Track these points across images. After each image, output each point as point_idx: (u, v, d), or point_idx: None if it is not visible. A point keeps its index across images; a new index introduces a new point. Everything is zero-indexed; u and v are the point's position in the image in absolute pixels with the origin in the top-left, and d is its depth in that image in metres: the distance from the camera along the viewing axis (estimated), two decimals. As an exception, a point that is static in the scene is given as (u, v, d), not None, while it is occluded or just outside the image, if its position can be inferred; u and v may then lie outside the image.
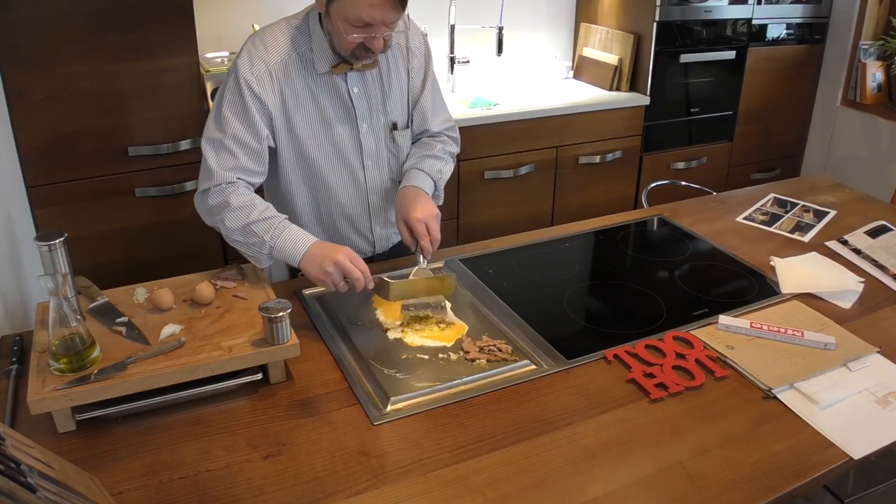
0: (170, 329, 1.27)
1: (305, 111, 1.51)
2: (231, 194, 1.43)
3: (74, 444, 1.11)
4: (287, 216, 1.46)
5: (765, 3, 3.33)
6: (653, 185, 2.72)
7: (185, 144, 2.35)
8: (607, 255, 1.81)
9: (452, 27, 3.17)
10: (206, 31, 2.60)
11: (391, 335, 1.40)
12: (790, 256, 1.73)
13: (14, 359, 1.29)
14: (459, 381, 1.26)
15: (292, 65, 1.47)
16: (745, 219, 1.98)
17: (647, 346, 1.36)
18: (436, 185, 1.64)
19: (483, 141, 2.89)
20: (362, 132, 1.57)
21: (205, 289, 1.37)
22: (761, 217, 1.98)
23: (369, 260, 1.66)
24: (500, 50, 3.12)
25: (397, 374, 1.28)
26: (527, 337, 1.40)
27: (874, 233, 1.82)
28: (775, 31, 3.44)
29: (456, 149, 1.74)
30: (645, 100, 3.21)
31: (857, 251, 1.75)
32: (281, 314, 1.21)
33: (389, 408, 1.19)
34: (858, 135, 3.57)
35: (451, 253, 1.76)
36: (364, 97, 1.55)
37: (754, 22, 3.35)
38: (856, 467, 1.12)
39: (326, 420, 1.17)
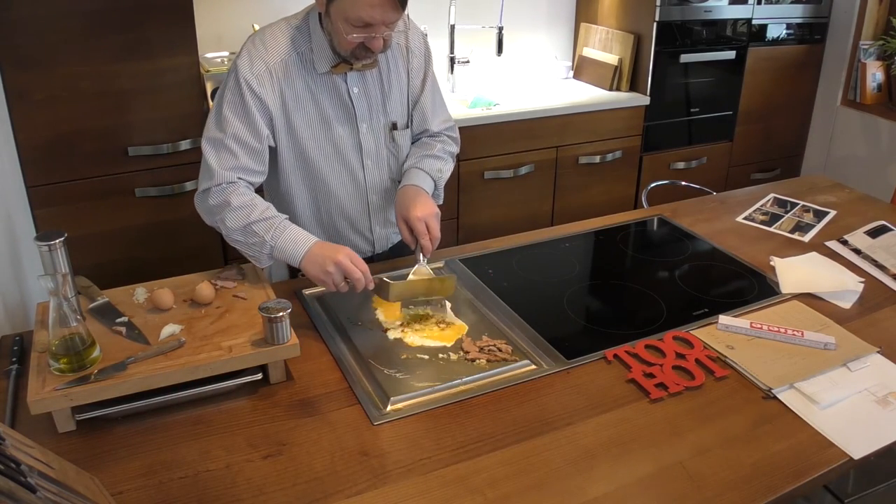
0: (170, 329, 1.27)
1: (305, 111, 1.51)
2: (232, 194, 1.43)
3: (74, 444, 1.11)
4: (287, 216, 1.46)
5: (765, 3, 3.33)
6: (653, 185, 2.72)
7: (185, 144, 2.35)
8: (607, 255, 1.81)
9: (452, 27, 3.17)
10: (206, 31, 2.60)
11: (391, 335, 1.40)
12: (790, 256, 1.73)
13: (14, 359, 1.29)
14: (459, 381, 1.26)
15: (292, 65, 1.47)
16: (745, 219, 1.98)
17: (647, 346, 1.36)
18: (436, 185, 1.64)
19: (483, 141, 2.89)
20: (362, 132, 1.57)
21: (205, 289, 1.37)
22: (761, 217, 1.98)
23: (369, 260, 1.66)
24: (500, 50, 3.12)
25: (397, 374, 1.28)
26: (527, 337, 1.40)
27: (874, 233, 1.82)
28: (775, 31, 3.44)
29: (456, 148, 1.74)
30: (645, 100, 3.21)
31: (857, 251, 1.76)
32: (281, 314, 1.21)
33: (389, 408, 1.19)
34: (858, 135, 3.57)
35: (451, 253, 1.76)
36: (364, 97, 1.55)
37: (754, 22, 3.35)
38: (856, 467, 1.12)
39: (326, 420, 1.17)
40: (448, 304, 1.49)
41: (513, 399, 1.22)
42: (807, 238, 1.85)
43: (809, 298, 1.55)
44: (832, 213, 1.99)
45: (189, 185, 2.38)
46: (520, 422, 1.17)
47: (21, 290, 1.70)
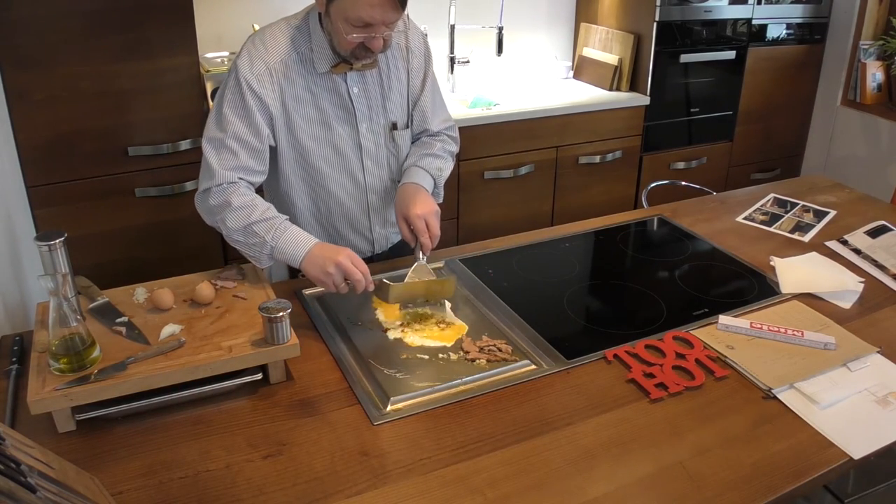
0: (170, 329, 1.27)
1: (305, 111, 1.51)
2: (232, 194, 1.43)
3: (74, 444, 1.11)
4: (288, 217, 1.46)
5: (765, 3, 3.33)
6: (653, 185, 2.72)
7: (185, 144, 2.35)
8: (607, 255, 1.81)
9: (452, 27, 3.17)
10: (206, 31, 2.60)
11: (391, 335, 1.40)
12: (790, 256, 1.73)
13: (14, 359, 1.29)
14: (459, 381, 1.26)
15: (292, 64, 1.47)
16: (745, 219, 1.98)
17: (647, 346, 1.36)
18: (435, 183, 1.64)
19: (483, 141, 2.89)
20: (362, 132, 1.57)
21: (205, 289, 1.37)
22: (761, 217, 1.98)
23: (369, 260, 1.66)
24: (500, 50, 3.12)
25: (397, 374, 1.28)
26: (527, 337, 1.40)
27: (874, 233, 1.82)
28: (775, 31, 3.44)
29: (455, 148, 1.74)
30: (645, 100, 3.21)
31: (857, 251, 1.76)
32: (281, 314, 1.21)
33: (389, 408, 1.19)
34: (858, 135, 3.57)
35: (451, 253, 1.76)
36: (364, 97, 1.55)
37: (754, 22, 3.35)
38: (856, 467, 1.12)
39: (326, 420, 1.17)
40: (448, 304, 1.49)
41: (513, 399, 1.22)
42: (807, 238, 1.85)
43: (809, 298, 1.55)
44: (832, 213, 1.99)
45: (189, 185, 2.38)
46: (520, 422, 1.17)
47: (21, 290, 1.70)
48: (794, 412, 1.19)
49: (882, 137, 3.46)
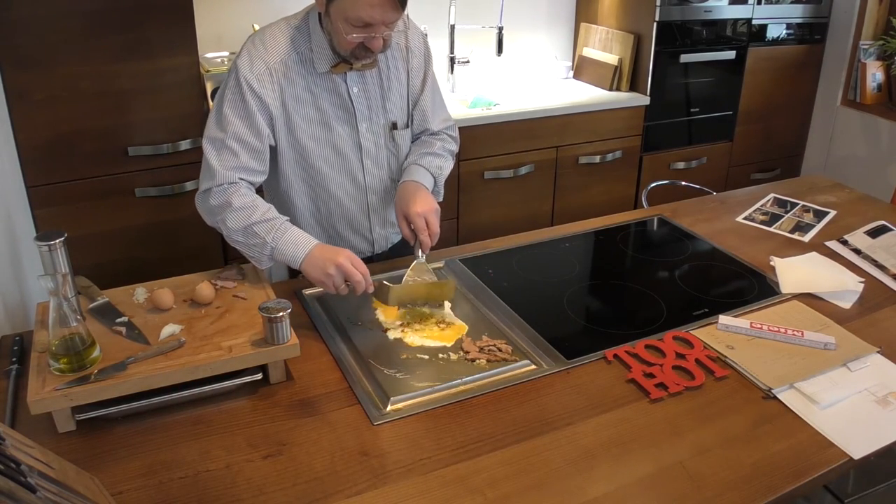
0: (170, 329, 1.27)
1: (305, 111, 1.51)
2: (233, 195, 1.43)
3: (74, 444, 1.11)
4: (288, 218, 1.46)
5: (765, 3, 3.33)
6: (653, 185, 2.72)
7: (185, 144, 2.35)
8: (607, 255, 1.81)
9: (452, 27, 3.17)
10: (206, 31, 2.60)
11: (391, 335, 1.40)
12: (790, 256, 1.73)
13: (14, 359, 1.29)
14: (459, 381, 1.26)
15: (292, 64, 1.47)
16: (745, 219, 1.98)
17: (647, 346, 1.36)
18: (435, 182, 1.64)
19: (483, 141, 2.89)
20: (361, 132, 1.57)
21: (205, 289, 1.37)
22: (761, 217, 1.98)
23: (368, 260, 1.66)
24: (500, 50, 3.12)
25: (397, 374, 1.28)
26: (527, 337, 1.40)
27: (874, 233, 1.82)
28: (775, 31, 3.44)
29: (455, 147, 1.75)
30: (645, 100, 3.21)
31: (857, 251, 1.76)
32: (281, 314, 1.21)
33: (389, 408, 1.19)
34: (858, 135, 3.57)
35: (451, 253, 1.76)
36: (364, 97, 1.55)
37: (754, 22, 3.35)
38: (856, 467, 1.12)
39: (326, 420, 1.17)
40: (448, 304, 1.49)
41: (513, 399, 1.22)
42: (807, 238, 1.85)
43: (809, 298, 1.55)
44: (832, 213, 1.99)
45: (189, 185, 2.38)
46: (520, 422, 1.17)
47: (21, 290, 1.70)
48: (794, 412, 1.19)
49: (882, 137, 3.46)
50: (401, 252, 1.76)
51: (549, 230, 1.91)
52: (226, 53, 2.75)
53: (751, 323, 1.42)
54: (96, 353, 1.18)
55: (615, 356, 1.33)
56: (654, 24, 3.11)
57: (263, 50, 1.46)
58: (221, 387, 1.20)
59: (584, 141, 3.13)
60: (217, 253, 2.50)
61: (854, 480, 1.31)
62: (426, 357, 1.33)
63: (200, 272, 1.49)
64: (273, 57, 1.46)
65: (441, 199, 1.65)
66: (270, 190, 1.65)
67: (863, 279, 1.62)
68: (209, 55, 2.70)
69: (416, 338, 1.38)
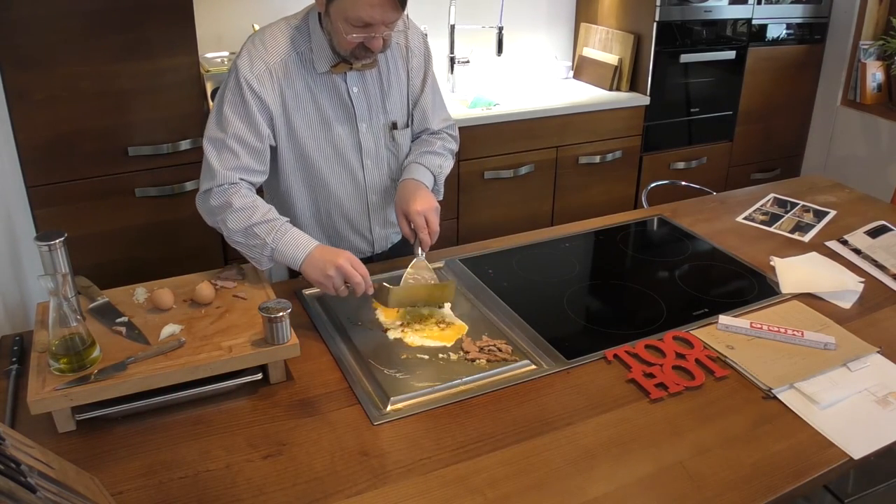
0: (170, 329, 1.27)
1: (305, 111, 1.51)
2: (234, 195, 1.43)
3: (74, 444, 1.11)
4: (289, 219, 1.46)
5: (765, 3, 3.33)
6: (653, 185, 2.72)
7: (185, 144, 2.35)
8: (607, 255, 1.81)
9: (452, 27, 3.17)
10: (206, 31, 2.60)
11: (391, 335, 1.40)
12: (790, 256, 1.73)
13: (14, 359, 1.29)
14: (459, 381, 1.26)
15: (292, 64, 1.47)
16: (745, 219, 1.98)
17: (647, 346, 1.36)
18: (435, 180, 1.64)
19: (483, 141, 2.89)
20: (361, 132, 1.57)
21: (205, 289, 1.37)
22: (761, 217, 1.98)
23: (368, 260, 1.66)
24: (500, 50, 3.12)
25: (397, 374, 1.28)
26: (527, 337, 1.40)
27: (874, 233, 1.82)
28: (775, 31, 3.44)
29: (455, 146, 1.75)
30: (645, 100, 3.21)
31: (857, 251, 1.76)
32: (281, 314, 1.21)
33: (389, 408, 1.19)
34: (858, 135, 3.57)
35: (451, 253, 1.76)
36: (363, 97, 1.55)
37: (754, 22, 3.35)
38: (856, 467, 1.12)
39: (326, 420, 1.17)
40: (448, 304, 1.49)
41: (513, 399, 1.22)
42: (807, 238, 1.85)
43: (809, 298, 1.55)
44: (832, 213, 1.99)
45: (189, 185, 2.38)
46: (520, 422, 1.17)
47: (21, 290, 1.70)
48: (794, 412, 1.19)
49: (882, 137, 3.46)
50: (401, 252, 1.76)
51: (549, 230, 1.91)
52: (226, 53, 2.75)
53: (751, 323, 1.42)
54: (96, 353, 1.18)
55: (615, 356, 1.33)
56: (654, 24, 3.11)
57: (263, 50, 1.46)
58: (221, 387, 1.20)
59: (584, 141, 3.13)
60: (217, 253, 2.50)
61: (854, 480, 1.31)
62: (426, 357, 1.33)
63: (200, 272, 1.49)
64: (273, 57, 1.46)
65: (441, 198, 1.65)
66: (270, 190, 1.65)
67: (863, 279, 1.62)
68: (209, 55, 2.70)
69: (416, 338, 1.38)
